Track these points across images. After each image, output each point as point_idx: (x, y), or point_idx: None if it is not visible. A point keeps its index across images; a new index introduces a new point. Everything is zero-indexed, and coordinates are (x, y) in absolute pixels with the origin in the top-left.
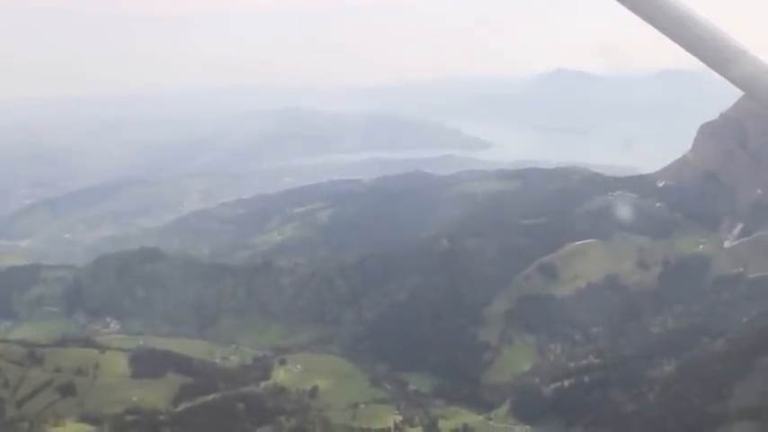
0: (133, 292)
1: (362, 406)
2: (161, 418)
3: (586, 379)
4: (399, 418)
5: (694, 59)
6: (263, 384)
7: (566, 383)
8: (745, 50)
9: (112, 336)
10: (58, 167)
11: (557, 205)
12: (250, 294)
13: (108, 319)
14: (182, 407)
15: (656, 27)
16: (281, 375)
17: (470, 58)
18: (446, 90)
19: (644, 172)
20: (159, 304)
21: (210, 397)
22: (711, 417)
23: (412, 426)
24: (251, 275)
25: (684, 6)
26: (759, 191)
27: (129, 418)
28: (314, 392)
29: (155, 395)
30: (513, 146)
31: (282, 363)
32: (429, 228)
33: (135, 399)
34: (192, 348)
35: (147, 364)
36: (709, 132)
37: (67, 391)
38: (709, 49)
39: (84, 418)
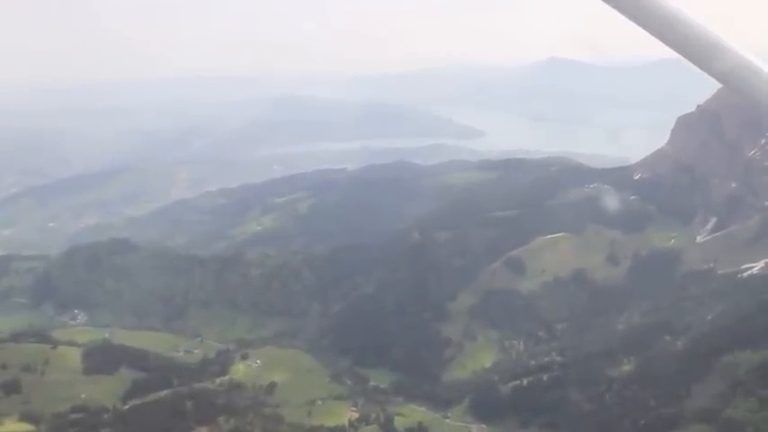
0: (102, 283)
1: (319, 402)
2: (105, 416)
3: (545, 378)
4: (355, 415)
5: None
6: (218, 380)
7: (525, 382)
8: (725, 45)
9: (78, 328)
10: (48, 155)
11: (531, 197)
12: (218, 286)
13: (76, 311)
14: (130, 404)
15: (637, 23)
16: (240, 370)
17: (465, 46)
18: (440, 78)
19: (633, 162)
20: (128, 296)
21: (162, 393)
22: (666, 419)
23: (368, 423)
24: (220, 267)
25: (666, 2)
26: (734, 184)
27: (73, 416)
28: (271, 388)
29: (105, 392)
30: (505, 135)
31: (244, 357)
32: (406, 219)
33: (83, 396)
34: (157, 341)
35: (101, 360)
36: (685, 124)
37: (11, 388)
38: (690, 44)
39: (26, 417)
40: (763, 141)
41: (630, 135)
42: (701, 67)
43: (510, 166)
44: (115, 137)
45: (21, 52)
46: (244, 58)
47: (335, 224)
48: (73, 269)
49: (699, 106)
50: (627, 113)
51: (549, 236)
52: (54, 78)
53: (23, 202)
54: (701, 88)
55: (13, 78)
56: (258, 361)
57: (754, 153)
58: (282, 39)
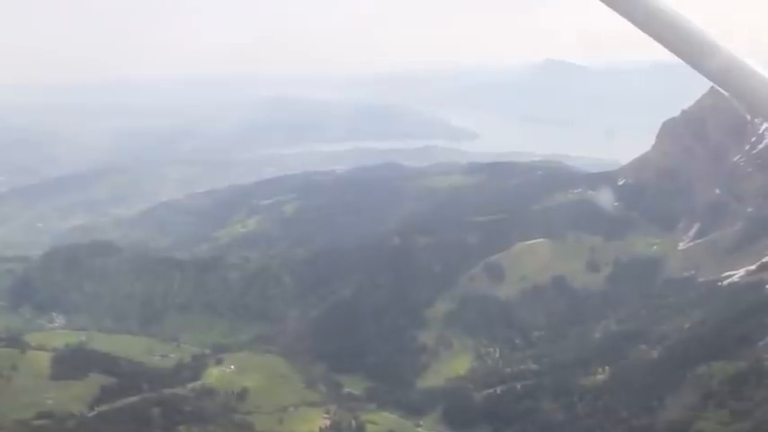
0: (81, 286)
1: (292, 409)
2: (69, 423)
3: (519, 386)
4: (327, 422)
5: None
6: (190, 386)
7: (498, 390)
8: (719, 45)
9: (55, 331)
10: (37, 154)
11: (515, 202)
12: (197, 290)
13: (54, 314)
14: (97, 411)
15: (631, 21)
16: (213, 375)
17: (460, 48)
18: (434, 80)
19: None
20: (106, 299)
21: (130, 400)
22: (638, 431)
23: (339, 431)
24: (200, 271)
25: (661, 2)
26: (717, 190)
27: (37, 423)
28: (243, 395)
29: (72, 398)
30: (499, 137)
31: (218, 362)
32: (390, 222)
33: (50, 402)
34: (133, 345)
35: (70, 365)
36: (670, 129)
37: None
38: (683, 44)
39: None
40: (747, 147)
41: (625, 138)
42: (694, 67)
43: (496, 170)
44: (106, 136)
45: (11, 51)
46: (236, 58)
47: (320, 227)
48: (52, 271)
49: (683, 111)
50: (622, 116)
51: (530, 241)
52: (44, 77)
53: (11, 201)
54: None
55: (2, 77)
56: (232, 366)
57: (739, 159)
58: (275, 39)
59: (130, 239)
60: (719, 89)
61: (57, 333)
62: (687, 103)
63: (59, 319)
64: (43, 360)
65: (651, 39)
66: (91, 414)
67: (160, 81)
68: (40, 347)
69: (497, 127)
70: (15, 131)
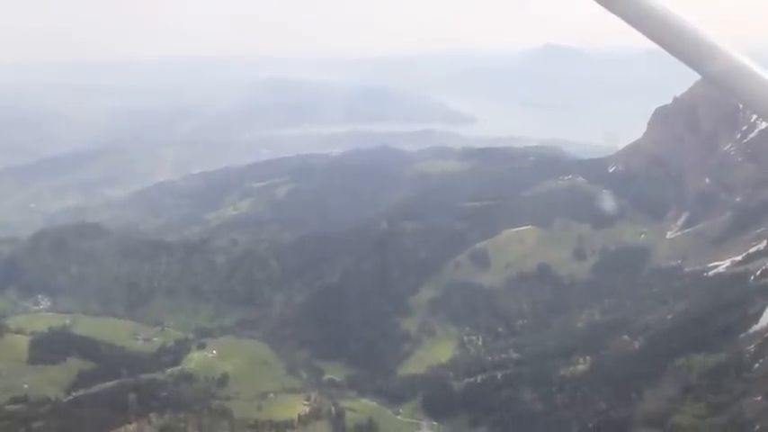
0: (68, 268)
1: (272, 395)
2: (42, 409)
3: (499, 375)
4: (307, 409)
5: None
6: (169, 371)
7: (479, 379)
8: (718, 46)
9: (40, 313)
10: (34, 133)
11: (505, 188)
12: (184, 273)
13: (39, 297)
14: (73, 395)
15: (631, 24)
16: (193, 360)
17: (461, 31)
18: (435, 63)
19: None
20: (92, 282)
21: (108, 384)
22: (615, 422)
23: (318, 418)
24: (187, 254)
25: (658, 3)
26: (707, 179)
27: (10, 408)
28: (223, 380)
29: (49, 382)
30: (497, 121)
31: (201, 347)
32: (381, 207)
33: (26, 386)
34: (117, 329)
35: (48, 349)
36: (661, 117)
37: None
38: (684, 46)
39: None
40: (738, 135)
41: (624, 124)
42: (695, 69)
43: (488, 156)
44: (102, 117)
45: (8, 30)
46: (233, 39)
47: (311, 211)
48: (39, 253)
49: (675, 98)
50: (622, 102)
51: (517, 229)
52: (43, 57)
53: (5, 181)
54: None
55: (2, 56)
56: (214, 351)
57: (729, 147)
58: (273, 20)
59: (122, 221)
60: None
61: (41, 316)
62: (685, 89)
63: (45, 302)
64: (21, 344)
65: (652, 41)
66: (66, 399)
67: (160, 62)
68: (19, 331)
69: (496, 111)
70: (14, 110)
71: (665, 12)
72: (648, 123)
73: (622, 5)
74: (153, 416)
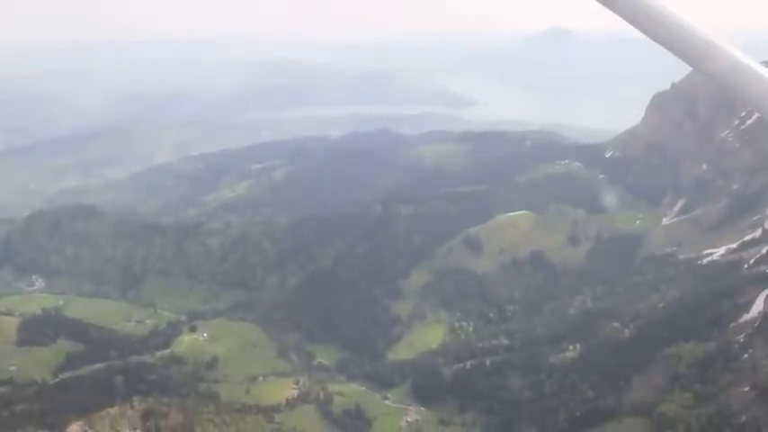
0: (62, 250)
1: (261, 379)
2: (27, 391)
3: (488, 362)
4: (295, 393)
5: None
6: (159, 354)
7: (468, 365)
8: (716, 43)
9: (34, 295)
10: (36, 115)
11: (501, 172)
12: (177, 256)
13: (34, 278)
14: (60, 378)
15: (632, 24)
16: (184, 343)
17: (465, 14)
18: (438, 46)
19: None
20: (87, 263)
21: (96, 367)
22: (602, 411)
23: (306, 402)
24: (181, 236)
25: (656, 1)
26: (704, 166)
27: None
28: (212, 363)
29: (36, 364)
30: (499, 105)
31: (192, 330)
32: (377, 190)
33: (13, 368)
34: (110, 311)
35: (38, 331)
36: (660, 103)
37: None
38: (682, 43)
39: None
40: (736, 122)
41: (628, 108)
42: (693, 66)
43: (486, 139)
44: (102, 98)
45: (9, 13)
46: (236, 20)
47: (308, 194)
48: (34, 234)
49: (673, 84)
50: (626, 86)
51: (511, 214)
52: (45, 38)
53: (6, 161)
54: None
55: (4, 38)
56: (205, 334)
57: (727, 134)
58: (275, 1)
59: (119, 203)
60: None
61: (34, 297)
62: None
63: (39, 283)
64: (10, 326)
65: (652, 40)
66: (53, 382)
67: (160, 42)
68: (9, 313)
69: (498, 95)
70: (15, 91)
71: (663, 10)
72: (647, 109)
73: (621, 3)
74: (136, 399)
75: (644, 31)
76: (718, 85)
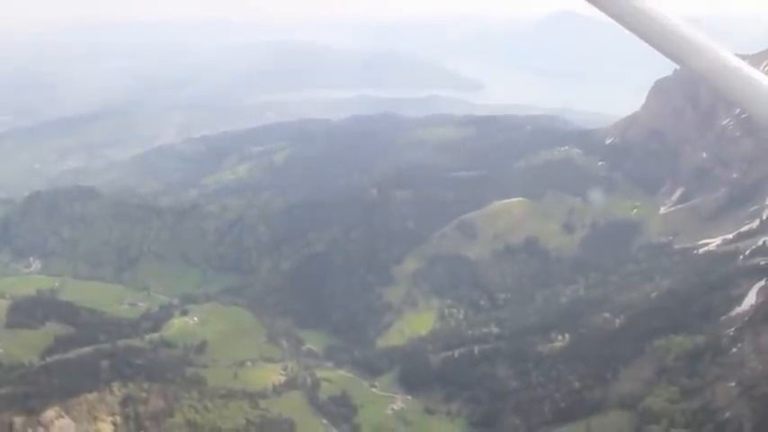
0: (59, 231)
1: (249, 364)
2: (13, 375)
3: (477, 350)
4: (282, 379)
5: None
6: (148, 337)
7: (456, 353)
8: (704, 43)
9: (30, 276)
10: (43, 96)
11: (500, 158)
12: (173, 238)
13: (31, 259)
14: (48, 360)
15: (622, 25)
16: (174, 327)
17: None
18: (446, 29)
19: None
20: (83, 245)
21: (84, 350)
22: (587, 403)
23: (293, 388)
24: (177, 219)
25: (644, 2)
26: (704, 154)
27: None
28: (201, 347)
29: (25, 347)
30: (505, 88)
31: (183, 313)
32: (375, 174)
33: (0, 351)
34: (104, 293)
35: (27, 313)
36: (661, 89)
37: None
38: (670, 43)
39: None
40: (737, 110)
41: (636, 93)
42: (681, 65)
43: (487, 124)
44: (107, 79)
45: None
46: (241, 1)
47: (308, 177)
48: (32, 216)
49: (675, 70)
50: (635, 70)
51: (506, 200)
52: (51, 20)
53: (11, 142)
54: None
55: (11, 19)
56: (195, 318)
57: (728, 122)
58: None
59: (119, 184)
60: None
61: (30, 278)
62: None
63: (36, 264)
64: (1, 308)
65: (642, 40)
66: (39, 365)
67: (165, 24)
68: (0, 295)
69: (505, 79)
70: (21, 72)
71: (651, 10)
72: (648, 95)
73: (609, 3)
74: (116, 385)
75: (630, 29)
76: (704, 83)
